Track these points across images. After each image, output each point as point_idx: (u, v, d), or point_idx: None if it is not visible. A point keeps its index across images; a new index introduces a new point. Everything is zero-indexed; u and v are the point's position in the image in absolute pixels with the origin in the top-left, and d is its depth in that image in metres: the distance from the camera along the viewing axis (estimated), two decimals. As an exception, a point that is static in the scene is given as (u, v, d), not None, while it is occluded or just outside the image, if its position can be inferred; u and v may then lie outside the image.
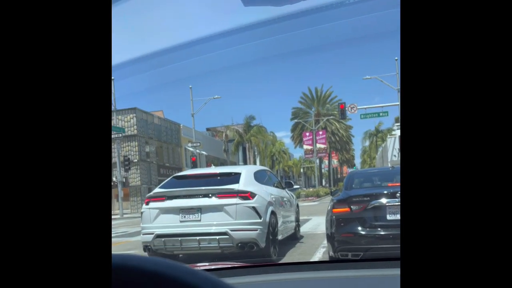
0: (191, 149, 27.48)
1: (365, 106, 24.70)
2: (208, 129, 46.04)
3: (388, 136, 31.94)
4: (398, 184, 5.19)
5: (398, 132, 22.64)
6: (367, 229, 4.55)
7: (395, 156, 22.65)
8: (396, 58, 23.17)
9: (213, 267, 1.67)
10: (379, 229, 4.54)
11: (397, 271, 1.16)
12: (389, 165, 20.57)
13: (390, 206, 4.54)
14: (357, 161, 59.91)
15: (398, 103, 22.64)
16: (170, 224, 5.29)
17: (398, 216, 4.52)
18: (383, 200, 4.56)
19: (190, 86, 27.18)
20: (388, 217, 4.54)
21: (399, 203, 4.48)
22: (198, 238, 5.13)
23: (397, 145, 20.97)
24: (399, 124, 22.07)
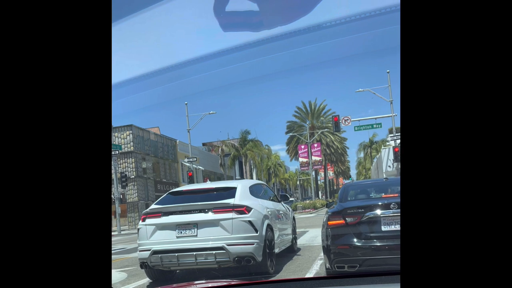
0: (187, 164, 27.42)
1: (359, 118, 24.92)
2: (204, 144, 46.02)
3: (383, 147, 32.09)
4: (392, 195, 5.24)
5: (392, 143, 22.76)
6: (363, 240, 4.57)
7: (389, 166, 22.73)
8: (388, 70, 23.48)
9: (210, 285, 1.66)
10: (374, 240, 4.56)
11: (395, 287, 1.16)
12: (384, 175, 20.63)
13: (385, 217, 4.57)
14: (353, 172, 59.98)
15: (392, 114, 22.84)
16: (166, 240, 5.29)
17: (393, 227, 4.55)
18: (378, 212, 4.60)
19: (186, 103, 27.32)
20: (383, 228, 4.57)
21: (394, 214, 4.54)
22: (194, 253, 5.13)
23: (392, 156, 21.06)
24: (393, 135, 22.21)
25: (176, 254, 5.18)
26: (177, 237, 5.27)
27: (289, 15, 1.34)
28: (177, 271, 5.83)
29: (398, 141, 21.78)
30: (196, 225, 5.26)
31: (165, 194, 6.13)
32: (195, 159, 27.29)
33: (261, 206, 5.75)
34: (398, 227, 4.55)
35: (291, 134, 42.72)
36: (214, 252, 5.10)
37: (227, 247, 5.10)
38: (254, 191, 6.11)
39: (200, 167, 32.08)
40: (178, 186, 27.02)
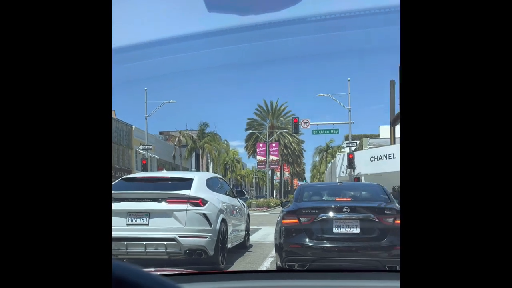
0: (142, 151, 26.62)
1: (318, 122, 25.51)
2: (161, 133, 44.98)
3: (338, 153, 33.11)
4: (346, 199, 5.40)
5: (347, 150, 23.54)
6: (314, 241, 4.68)
7: (343, 172, 23.49)
8: (349, 79, 24.21)
9: (158, 273, 1.62)
10: (325, 241, 4.68)
11: (394, 283, 1.17)
12: (337, 180, 21.29)
13: (337, 220, 4.70)
14: (307, 175, 61.37)
15: (349, 121, 23.59)
16: (116, 227, 5.09)
17: (343, 230, 4.69)
18: (331, 214, 4.72)
19: (146, 89, 26.52)
20: (335, 230, 4.70)
21: (345, 218, 4.68)
22: (144, 243, 4.99)
23: (346, 162, 21.77)
24: (348, 142, 22.97)
25: (125, 242, 5.00)
26: (128, 224, 5.09)
27: (278, 2, 1.30)
28: (125, 259, 5.64)
29: (353, 148, 22.56)
30: (148, 214, 5.12)
31: (118, 180, 5.90)
32: (150, 147, 26.57)
33: (216, 200, 5.70)
34: (348, 230, 4.69)
35: (250, 131, 42.87)
36: (165, 243, 4.99)
37: (178, 238, 5.01)
38: (211, 184, 6.04)
39: (155, 156, 31.32)
40: (130, 173, 26.23)
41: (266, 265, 5.91)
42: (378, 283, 1.35)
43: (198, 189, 5.46)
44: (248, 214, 7.87)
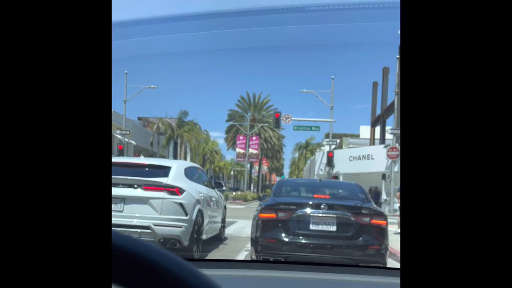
0: (119, 136, 26.06)
1: (299, 118, 25.58)
2: (139, 118, 44.17)
3: (318, 150, 33.44)
4: (324, 196, 5.42)
5: (327, 148, 23.77)
6: (290, 236, 4.68)
7: (321, 170, 23.73)
8: (333, 77, 24.36)
9: None
10: (301, 237, 4.69)
11: (394, 279, 1.19)
12: (316, 177, 21.51)
13: (314, 216, 4.71)
14: (286, 170, 61.67)
15: (331, 119, 23.80)
16: None
17: (320, 227, 4.70)
18: (308, 210, 4.73)
19: (126, 72, 25.89)
20: (311, 226, 4.71)
21: (323, 215, 4.69)
22: (118, 229, 4.85)
23: (325, 160, 21.98)
24: (328, 140, 23.19)
25: None
26: None
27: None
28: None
29: (333, 147, 22.79)
30: (123, 200, 4.99)
31: (93, 164, 5.72)
32: (128, 133, 26.02)
33: (194, 190, 5.61)
34: (325, 227, 4.70)
35: (231, 123, 42.68)
36: (139, 230, 4.88)
37: (153, 227, 4.91)
38: (189, 173, 5.94)
39: (132, 142, 30.73)
40: (106, 158, 25.50)
41: (240, 258, 5.88)
42: (377, 279, 1.35)
43: (176, 177, 5.36)
44: (225, 207, 7.81)
